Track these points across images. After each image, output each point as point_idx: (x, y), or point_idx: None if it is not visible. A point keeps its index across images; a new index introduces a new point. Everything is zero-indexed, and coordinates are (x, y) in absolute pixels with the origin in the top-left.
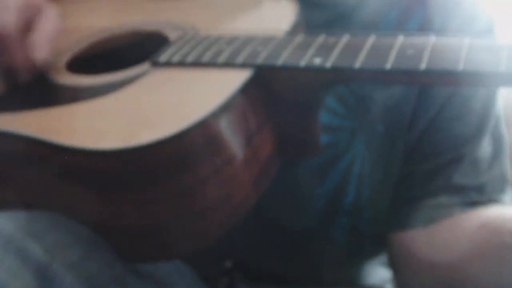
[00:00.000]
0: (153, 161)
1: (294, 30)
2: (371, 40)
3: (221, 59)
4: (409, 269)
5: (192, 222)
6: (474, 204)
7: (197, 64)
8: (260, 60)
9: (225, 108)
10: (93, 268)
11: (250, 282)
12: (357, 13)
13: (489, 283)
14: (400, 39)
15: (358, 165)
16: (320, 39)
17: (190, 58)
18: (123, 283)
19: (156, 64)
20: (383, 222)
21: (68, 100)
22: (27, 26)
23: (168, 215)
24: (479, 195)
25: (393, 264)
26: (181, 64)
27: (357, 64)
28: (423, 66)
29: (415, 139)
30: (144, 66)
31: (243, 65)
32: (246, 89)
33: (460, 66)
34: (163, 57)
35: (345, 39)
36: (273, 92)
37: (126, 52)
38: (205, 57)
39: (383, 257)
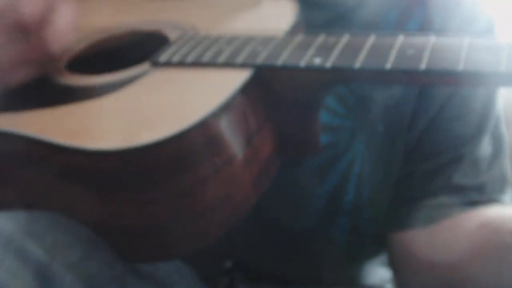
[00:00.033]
0: (153, 161)
1: (294, 30)
2: (371, 40)
3: (221, 59)
4: (409, 269)
5: (192, 222)
6: (474, 204)
7: (197, 64)
8: (260, 60)
9: (225, 108)
10: (93, 268)
11: (250, 282)
12: (357, 13)
13: (489, 283)
14: (400, 39)
15: (358, 165)
16: (320, 39)
17: (190, 58)
18: (123, 283)
19: (156, 64)
20: (383, 222)
21: (68, 100)
22: (46, 16)
23: (168, 215)
24: (479, 195)
25: (393, 264)
26: (181, 64)
27: (357, 64)
28: (423, 66)
29: (415, 139)
30: (144, 66)
31: (243, 65)
32: (246, 89)
33: (460, 66)
34: (163, 57)
35: (345, 39)
36: (273, 92)
37: (126, 52)
38: (205, 57)
39: (383, 257)
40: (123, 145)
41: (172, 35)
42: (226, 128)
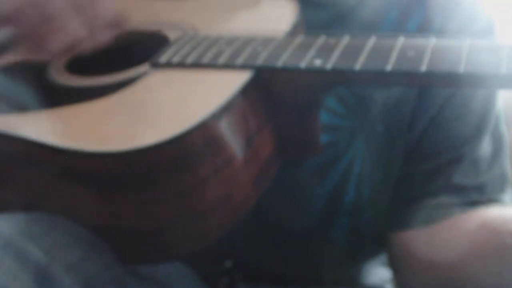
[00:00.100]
0: (153, 162)
1: (294, 30)
2: (371, 41)
3: (221, 60)
4: (409, 269)
5: (192, 222)
6: (474, 204)
7: (197, 65)
8: (260, 61)
9: (225, 109)
10: (92, 269)
11: (250, 282)
12: (357, 13)
13: (489, 283)
14: (401, 41)
15: (358, 165)
16: (321, 40)
17: (190, 59)
18: (122, 284)
19: (156, 65)
20: (383, 222)
21: (68, 101)
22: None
23: (168, 215)
24: (479, 195)
25: (393, 264)
26: (181, 65)
27: (358, 65)
28: (423, 68)
29: (415, 139)
30: (144, 67)
31: (243, 66)
32: (246, 91)
33: (461, 68)
34: (163, 58)
35: (345, 40)
36: (273, 93)
37: (126, 52)
38: (205, 58)
39: (383, 257)
40: (123, 147)
41: (172, 35)
42: (226, 129)
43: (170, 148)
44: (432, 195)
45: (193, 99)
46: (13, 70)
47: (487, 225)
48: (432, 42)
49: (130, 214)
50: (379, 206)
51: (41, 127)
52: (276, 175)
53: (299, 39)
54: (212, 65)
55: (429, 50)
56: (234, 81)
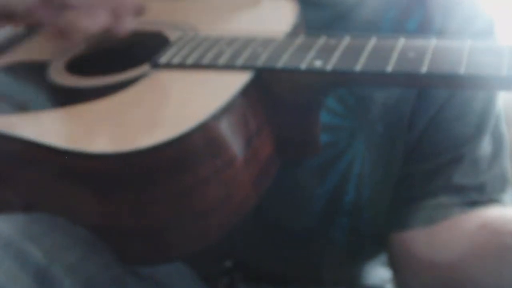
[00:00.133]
0: (154, 163)
1: (294, 31)
2: (372, 42)
3: (222, 61)
4: (409, 269)
5: (192, 222)
6: (474, 204)
7: (197, 65)
8: (260, 62)
9: (226, 110)
10: (92, 269)
11: (250, 282)
12: (357, 12)
13: (489, 283)
14: (401, 42)
15: (358, 165)
16: (321, 41)
17: (190, 60)
18: (122, 284)
19: (156, 66)
20: (383, 222)
21: (68, 102)
22: None
23: (168, 215)
24: (479, 195)
25: (393, 264)
26: (182, 65)
27: (358, 67)
28: (424, 69)
29: (415, 139)
30: (144, 68)
31: (244, 67)
32: (246, 91)
33: (462, 70)
34: (163, 58)
35: (345, 41)
36: (273, 94)
37: (126, 53)
38: (206, 59)
39: (383, 257)
40: (123, 148)
41: (172, 36)
42: (227, 130)
43: (170, 149)
44: (432, 195)
45: (193, 100)
46: (13, 70)
47: (487, 225)
48: (432, 43)
49: (130, 214)
50: (379, 206)
51: (41, 127)
52: (276, 175)
53: (300, 39)
54: (212, 66)
55: (429, 51)
56: (234, 82)
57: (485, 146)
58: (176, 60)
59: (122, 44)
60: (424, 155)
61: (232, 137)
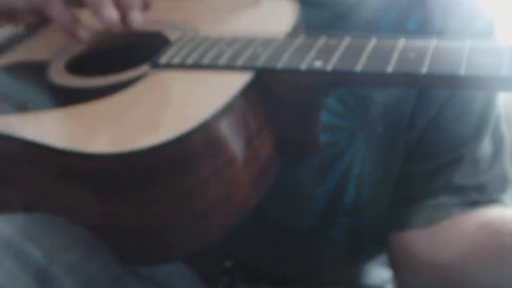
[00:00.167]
0: (154, 163)
1: (294, 31)
2: (372, 43)
3: (222, 61)
4: (409, 270)
5: (192, 222)
6: (474, 204)
7: (197, 66)
8: (260, 62)
9: (226, 110)
10: (92, 269)
11: (250, 282)
12: (357, 12)
13: (489, 283)
14: (402, 42)
15: (358, 165)
16: (321, 41)
17: (190, 60)
18: (122, 284)
19: (156, 66)
20: (383, 222)
21: (68, 102)
22: None
23: (168, 215)
24: (480, 195)
25: (393, 264)
26: (182, 65)
27: (358, 67)
28: (424, 70)
29: (415, 139)
30: (144, 68)
31: (244, 68)
32: (246, 92)
33: (462, 70)
34: (164, 58)
35: (346, 41)
36: (273, 94)
37: (126, 53)
38: (206, 59)
39: (383, 257)
40: (123, 149)
41: (172, 36)
42: (227, 130)
43: (170, 149)
44: (432, 195)
45: (194, 100)
46: (13, 70)
47: (487, 226)
48: (433, 43)
49: (130, 214)
50: (379, 206)
51: (41, 127)
52: (276, 175)
53: (300, 40)
54: (212, 66)
55: (430, 52)
56: (235, 82)
57: (485, 146)
58: (176, 60)
59: (122, 44)
60: (424, 155)
61: (232, 137)
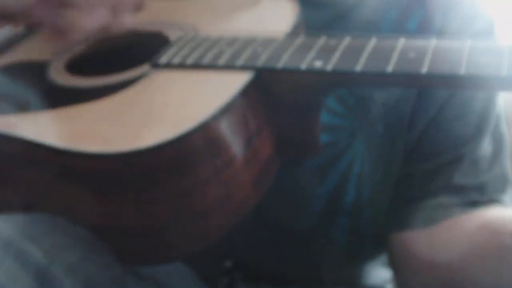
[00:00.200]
0: (154, 163)
1: (294, 31)
2: (372, 42)
3: (222, 61)
4: (409, 270)
5: (192, 222)
6: (474, 204)
7: (197, 66)
8: (260, 62)
9: (226, 110)
10: (92, 269)
11: (250, 282)
12: (357, 12)
13: (489, 284)
14: (402, 42)
15: (358, 165)
16: (321, 41)
17: (190, 60)
18: (122, 284)
19: (156, 66)
20: (383, 222)
21: (68, 102)
22: None
23: (168, 215)
24: (480, 195)
25: (393, 265)
26: (182, 65)
27: (358, 67)
28: (424, 69)
29: (415, 139)
30: (144, 68)
31: (244, 67)
32: (246, 92)
33: (462, 70)
34: (164, 58)
35: (346, 41)
36: (273, 94)
37: (126, 53)
38: (206, 59)
39: (383, 257)
40: (123, 148)
41: (172, 36)
42: (227, 130)
43: (170, 149)
44: (432, 195)
45: (194, 100)
46: (13, 70)
47: (487, 226)
48: (433, 43)
49: (130, 214)
50: (379, 206)
51: (41, 127)
52: (276, 175)
53: (300, 40)
54: (212, 66)
55: (430, 52)
56: (235, 82)
57: (486, 146)
58: (176, 60)
59: (122, 44)
60: (424, 155)
61: (232, 137)
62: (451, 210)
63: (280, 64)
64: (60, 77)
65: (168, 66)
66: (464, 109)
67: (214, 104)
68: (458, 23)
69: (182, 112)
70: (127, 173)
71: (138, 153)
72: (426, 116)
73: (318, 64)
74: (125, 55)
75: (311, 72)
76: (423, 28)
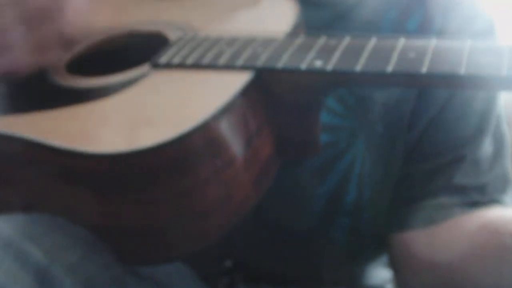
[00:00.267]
0: (153, 163)
1: (294, 31)
2: (372, 42)
3: (222, 61)
4: (409, 270)
5: (192, 222)
6: (475, 204)
7: (197, 66)
8: (260, 62)
9: (226, 110)
10: (92, 269)
11: (250, 282)
12: (357, 12)
13: (489, 284)
14: (402, 42)
15: (358, 165)
16: (321, 41)
17: (190, 60)
18: (122, 284)
19: (156, 66)
20: (383, 222)
21: (68, 102)
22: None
23: (168, 215)
24: (480, 195)
25: (393, 265)
26: (182, 65)
27: (358, 67)
28: (424, 69)
29: (415, 139)
30: (144, 68)
31: (244, 67)
32: (246, 92)
33: (462, 70)
34: (163, 58)
35: (346, 41)
36: (273, 94)
37: (126, 53)
38: (206, 59)
39: (383, 258)
40: (124, 149)
41: (172, 35)
42: (227, 130)
43: (170, 149)
44: (433, 196)
45: (193, 100)
46: None
47: (487, 226)
48: (433, 43)
49: (130, 214)
50: (379, 206)
51: (41, 127)
52: (276, 175)
53: (300, 40)
54: (212, 66)
55: (430, 52)
56: (235, 82)
57: (486, 147)
58: (176, 60)
59: (122, 44)
60: (424, 155)
61: (232, 137)
62: (451, 210)
63: (280, 64)
64: (60, 77)
65: (168, 66)
66: (465, 109)
67: (214, 104)
68: (458, 23)
69: (182, 112)
70: (127, 173)
71: (138, 153)
72: (426, 116)
73: (318, 64)
74: (125, 55)
75: (311, 72)
76: (423, 28)
